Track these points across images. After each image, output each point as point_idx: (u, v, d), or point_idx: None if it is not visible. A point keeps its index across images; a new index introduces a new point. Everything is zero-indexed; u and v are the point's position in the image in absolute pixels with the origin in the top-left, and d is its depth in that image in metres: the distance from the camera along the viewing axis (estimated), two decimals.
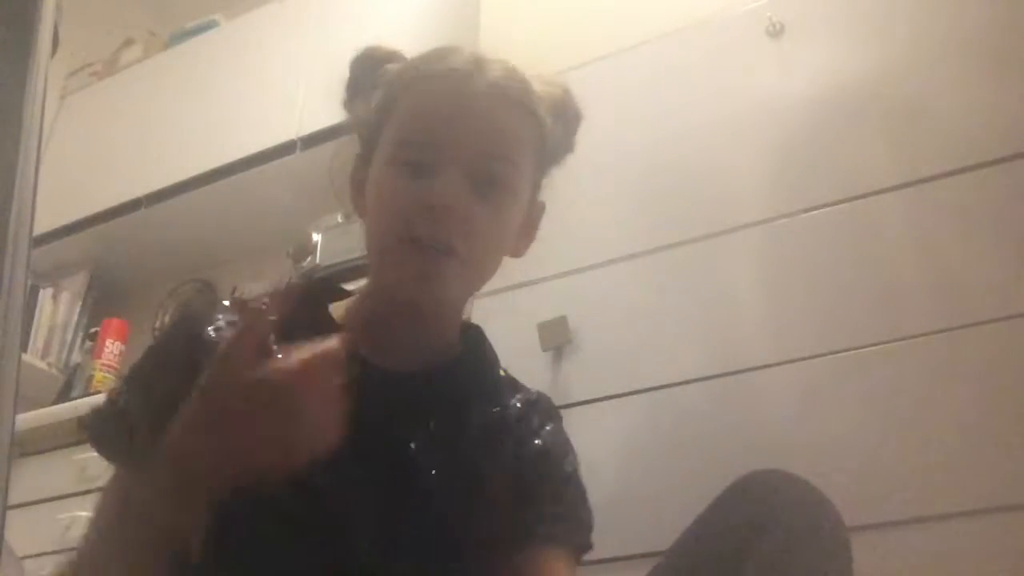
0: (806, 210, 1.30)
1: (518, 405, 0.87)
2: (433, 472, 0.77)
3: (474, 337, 0.88)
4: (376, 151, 0.81)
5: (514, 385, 0.90)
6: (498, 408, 0.85)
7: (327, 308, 0.83)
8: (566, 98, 0.88)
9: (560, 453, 0.86)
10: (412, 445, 0.78)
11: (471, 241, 0.76)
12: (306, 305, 0.78)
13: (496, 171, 0.78)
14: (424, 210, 0.74)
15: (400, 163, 0.77)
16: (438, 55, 0.82)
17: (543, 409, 0.89)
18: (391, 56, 0.88)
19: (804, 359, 1.21)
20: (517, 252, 0.87)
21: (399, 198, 0.76)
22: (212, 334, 0.76)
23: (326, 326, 0.78)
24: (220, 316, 0.78)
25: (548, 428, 0.87)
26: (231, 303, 0.81)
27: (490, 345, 0.89)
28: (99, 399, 0.78)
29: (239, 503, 0.60)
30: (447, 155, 0.76)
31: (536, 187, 0.86)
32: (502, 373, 0.90)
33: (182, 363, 0.70)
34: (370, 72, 0.87)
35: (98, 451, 0.76)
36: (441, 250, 0.74)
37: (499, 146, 0.78)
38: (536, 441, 0.85)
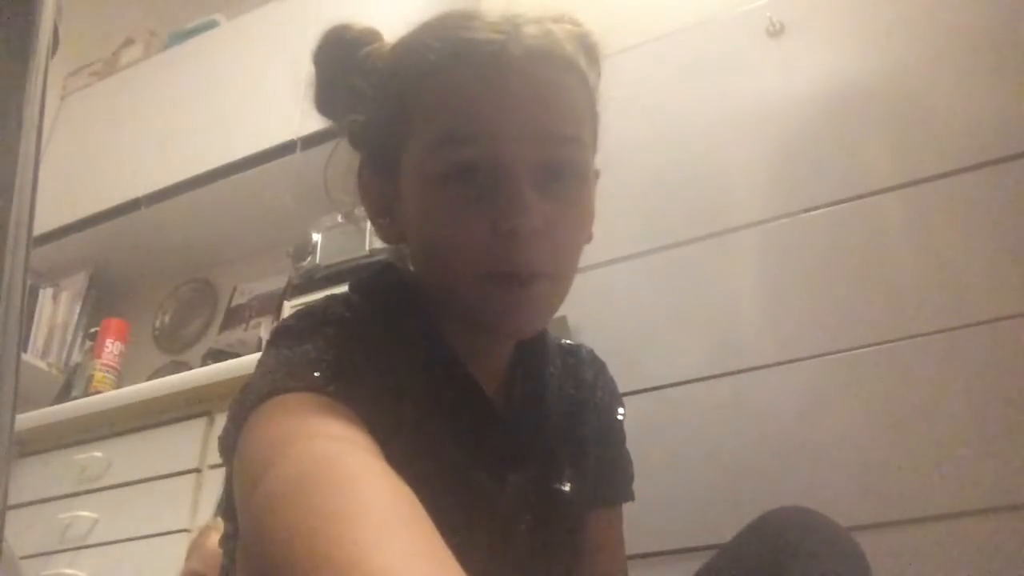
0: (806, 210, 1.30)
1: (585, 375, 0.85)
2: (567, 486, 0.76)
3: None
4: (403, 159, 0.67)
5: (564, 347, 0.87)
6: (572, 388, 0.82)
7: (426, 312, 0.70)
8: (585, 32, 0.74)
9: (618, 405, 0.88)
10: (560, 479, 0.76)
11: (557, 254, 0.65)
12: (402, 303, 0.70)
13: (565, 158, 0.65)
14: (506, 241, 0.62)
15: (451, 176, 0.63)
16: (456, 23, 0.66)
17: (591, 361, 0.88)
18: (368, 37, 0.74)
19: (804, 359, 1.21)
20: (589, 237, 0.74)
21: (471, 229, 0.63)
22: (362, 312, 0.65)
23: (433, 335, 0.69)
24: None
25: (604, 383, 0.87)
26: None
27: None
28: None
29: None
30: (508, 156, 0.62)
31: (594, 154, 0.72)
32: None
33: (342, 327, 0.61)
34: (346, 64, 0.72)
35: (341, 389, 0.55)
36: (528, 277, 0.64)
37: (562, 125, 0.65)
38: (619, 412, 0.86)
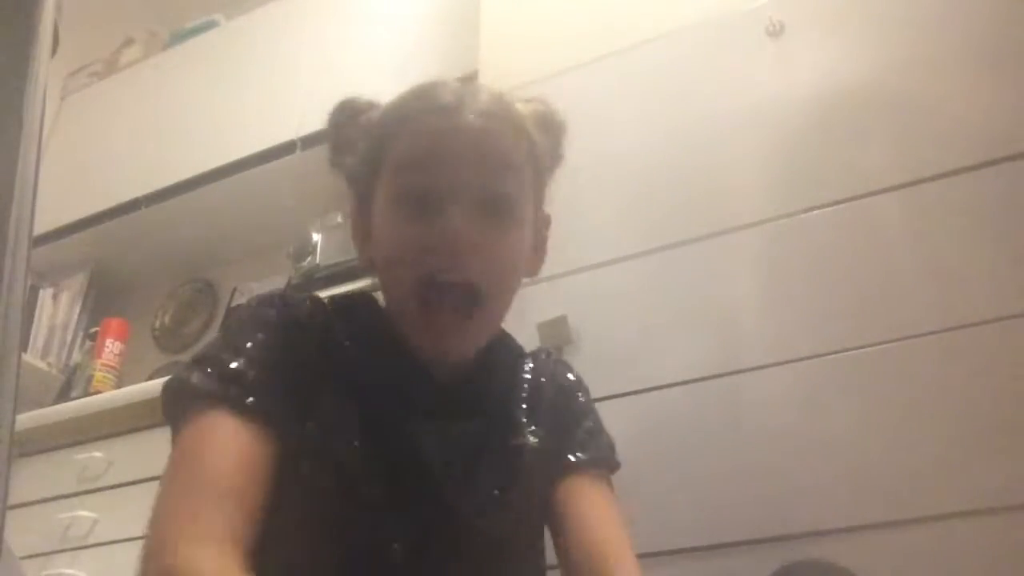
0: (806, 210, 1.30)
1: (546, 367, 0.95)
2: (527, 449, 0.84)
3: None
4: (374, 201, 0.82)
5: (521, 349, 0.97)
6: (533, 375, 0.92)
7: (380, 306, 0.85)
8: (548, 111, 0.90)
9: (581, 388, 0.97)
10: (527, 440, 0.84)
11: (488, 269, 0.77)
12: (362, 303, 0.86)
13: (499, 196, 0.78)
14: (435, 246, 0.75)
15: (401, 197, 0.78)
16: (420, 93, 0.82)
17: (549, 359, 0.98)
18: (367, 107, 0.89)
19: (804, 359, 1.21)
20: (531, 271, 0.88)
21: (408, 239, 0.77)
22: (300, 309, 0.80)
23: (384, 324, 0.82)
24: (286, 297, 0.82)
25: (569, 373, 0.98)
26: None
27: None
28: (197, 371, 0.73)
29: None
30: (448, 192, 0.76)
31: (538, 202, 0.87)
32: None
33: (280, 324, 0.76)
34: (349, 124, 0.87)
35: (237, 406, 0.71)
36: (460, 303, 0.76)
37: (497, 171, 0.79)
38: (569, 377, 0.97)
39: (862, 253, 1.25)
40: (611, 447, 0.94)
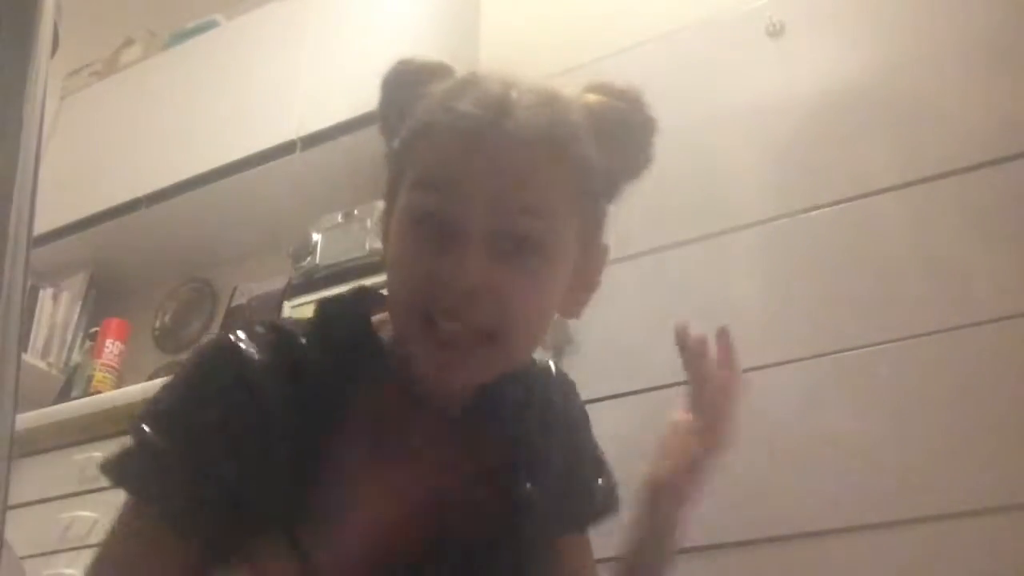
0: (806, 210, 1.30)
1: (553, 396, 0.86)
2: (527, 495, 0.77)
3: None
4: (396, 200, 0.72)
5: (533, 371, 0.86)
6: (541, 410, 0.83)
7: (370, 322, 0.75)
8: (626, 109, 0.77)
9: (586, 428, 0.89)
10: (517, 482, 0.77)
11: (504, 314, 0.66)
12: (347, 317, 0.75)
13: (524, 229, 0.66)
14: (443, 283, 0.65)
15: (415, 218, 0.68)
16: (458, 91, 0.70)
17: (560, 382, 0.89)
18: (431, 72, 0.75)
19: (804, 359, 1.21)
20: (572, 311, 0.77)
21: (415, 267, 0.67)
22: (259, 360, 0.69)
23: (368, 343, 0.73)
24: (244, 343, 0.71)
25: (573, 405, 0.88)
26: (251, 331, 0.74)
27: None
28: (126, 441, 0.69)
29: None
30: (463, 225, 0.65)
31: (592, 231, 0.73)
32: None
33: (225, 398, 0.67)
34: (403, 94, 0.75)
35: (140, 498, 0.67)
36: (467, 338, 0.66)
37: (522, 199, 0.66)
38: (590, 439, 0.88)
39: (862, 253, 1.25)
40: (599, 510, 0.86)
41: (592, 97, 0.76)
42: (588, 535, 0.86)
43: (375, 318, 0.76)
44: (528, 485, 0.76)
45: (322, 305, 0.78)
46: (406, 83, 0.75)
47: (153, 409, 0.69)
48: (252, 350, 0.69)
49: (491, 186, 0.66)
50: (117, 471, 0.68)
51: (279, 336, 0.71)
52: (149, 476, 0.67)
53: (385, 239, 0.74)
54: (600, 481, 0.86)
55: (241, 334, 0.71)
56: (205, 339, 2.43)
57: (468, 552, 0.72)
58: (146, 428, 0.68)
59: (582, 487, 0.85)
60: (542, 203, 0.67)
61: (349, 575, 0.67)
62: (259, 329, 0.72)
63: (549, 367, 0.88)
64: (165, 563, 0.65)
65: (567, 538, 0.83)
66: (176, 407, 0.69)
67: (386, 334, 0.74)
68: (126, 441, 0.69)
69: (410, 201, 0.68)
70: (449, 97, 0.69)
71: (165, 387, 0.71)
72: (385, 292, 0.76)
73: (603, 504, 0.86)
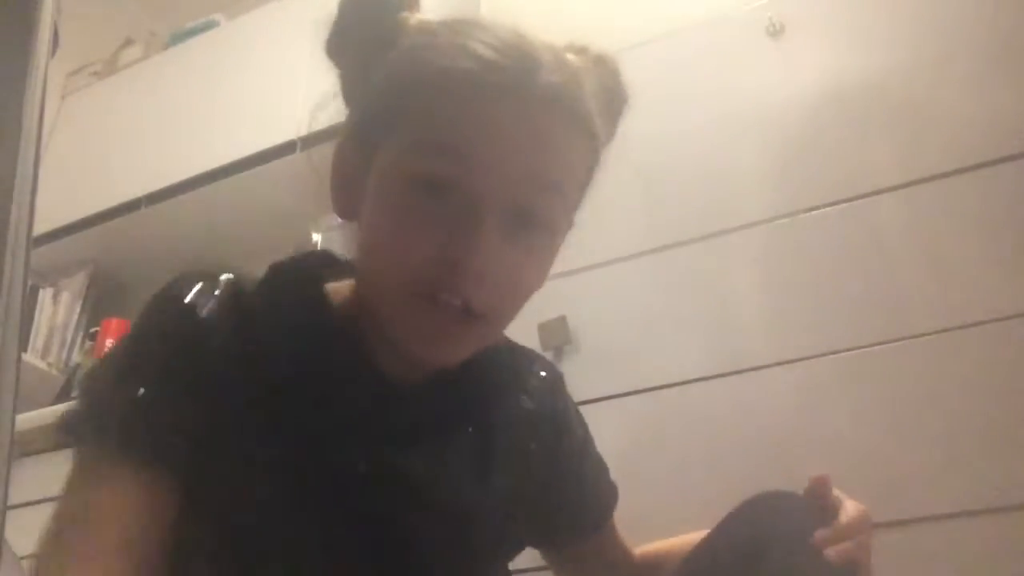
0: (806, 210, 1.30)
1: (538, 384, 0.80)
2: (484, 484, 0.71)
3: None
4: (382, 146, 0.62)
5: (518, 356, 0.81)
6: (523, 401, 0.77)
7: (323, 289, 0.69)
8: (615, 82, 0.71)
9: (580, 423, 0.85)
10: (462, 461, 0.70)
11: (503, 302, 0.62)
12: (298, 282, 0.69)
13: (541, 206, 0.60)
14: (451, 262, 0.58)
15: (418, 184, 0.59)
16: (469, 31, 0.61)
17: (547, 371, 0.83)
18: (404, 1, 0.65)
19: (804, 359, 1.21)
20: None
21: (417, 243, 0.59)
22: (204, 313, 0.65)
23: (319, 310, 0.67)
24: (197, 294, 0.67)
25: (562, 397, 0.83)
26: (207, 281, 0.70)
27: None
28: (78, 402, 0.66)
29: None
30: (484, 185, 0.58)
31: (576, 209, 0.69)
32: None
33: (169, 348, 0.63)
34: (371, 15, 0.65)
35: (127, 454, 0.60)
36: (462, 311, 0.59)
37: (549, 173, 0.60)
38: (578, 431, 0.83)
39: (862, 253, 1.25)
40: (609, 502, 0.86)
41: (576, 59, 0.67)
42: (612, 524, 0.86)
43: (330, 285, 0.71)
44: (491, 468, 0.70)
45: (272, 268, 0.73)
46: (379, 6, 0.65)
47: (99, 365, 0.68)
48: (200, 303, 0.66)
49: (518, 159, 0.58)
50: (72, 426, 0.63)
51: (228, 290, 0.68)
52: (101, 419, 0.62)
53: (349, 193, 0.66)
54: (603, 477, 0.87)
55: (188, 285, 0.68)
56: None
57: (416, 527, 0.65)
58: (94, 380, 0.67)
59: (588, 487, 0.84)
60: (568, 178, 0.62)
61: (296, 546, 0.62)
62: (206, 283, 0.69)
63: (533, 353, 0.84)
64: (131, 503, 0.58)
65: (596, 536, 0.84)
66: (122, 361, 0.65)
67: (339, 299, 0.69)
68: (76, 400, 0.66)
69: (411, 164, 0.59)
70: (459, 39, 0.60)
71: (110, 350, 0.68)
72: (343, 255, 0.72)
73: (613, 498, 0.87)
